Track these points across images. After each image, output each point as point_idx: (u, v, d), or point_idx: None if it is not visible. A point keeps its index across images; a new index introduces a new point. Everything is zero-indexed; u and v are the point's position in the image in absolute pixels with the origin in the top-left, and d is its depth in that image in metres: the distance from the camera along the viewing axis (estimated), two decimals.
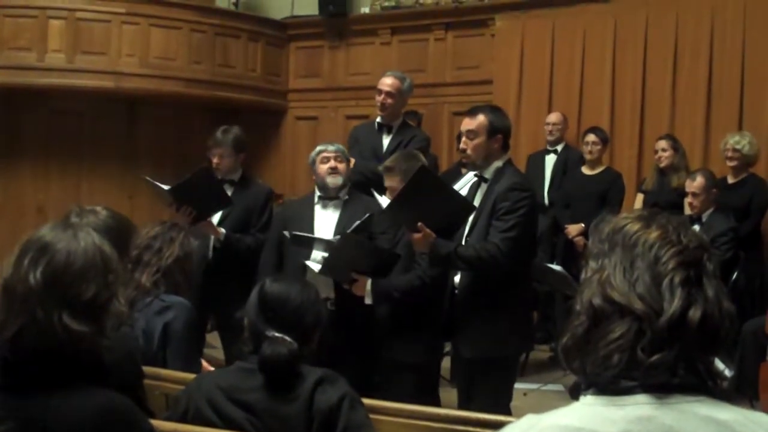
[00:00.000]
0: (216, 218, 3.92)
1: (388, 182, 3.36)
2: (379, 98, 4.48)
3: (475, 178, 3.16)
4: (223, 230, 3.89)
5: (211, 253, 3.94)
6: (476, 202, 3.06)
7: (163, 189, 3.73)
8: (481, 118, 3.08)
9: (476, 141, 3.08)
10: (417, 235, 2.96)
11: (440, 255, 2.94)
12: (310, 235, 3.57)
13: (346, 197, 3.75)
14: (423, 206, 2.94)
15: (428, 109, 6.61)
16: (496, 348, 2.98)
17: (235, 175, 4.11)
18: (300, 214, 3.72)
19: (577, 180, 5.56)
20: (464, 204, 3.03)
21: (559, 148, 5.88)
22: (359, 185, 4.36)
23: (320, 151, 3.76)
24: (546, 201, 5.76)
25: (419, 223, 2.94)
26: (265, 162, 7.11)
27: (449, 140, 6.63)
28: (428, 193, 2.93)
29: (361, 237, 3.35)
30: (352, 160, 4.45)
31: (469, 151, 3.09)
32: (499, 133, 3.06)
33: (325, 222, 3.69)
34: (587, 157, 5.56)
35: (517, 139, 6.20)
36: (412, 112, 5.91)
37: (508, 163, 3.10)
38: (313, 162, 3.76)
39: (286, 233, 3.54)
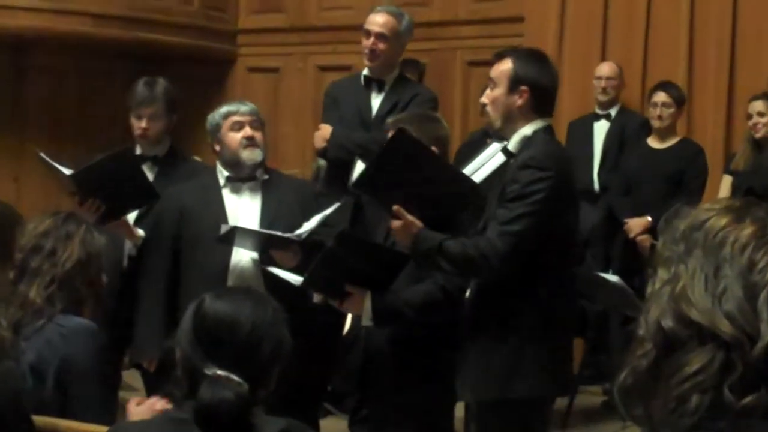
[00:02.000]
0: (132, 215, 3.91)
1: None
2: (367, 43, 4.47)
3: (501, 153, 3.18)
4: (141, 232, 3.88)
5: (126, 261, 3.94)
6: None
7: (63, 173, 3.72)
8: (506, 64, 3.11)
9: (494, 93, 3.11)
10: (396, 223, 3.01)
11: (422, 251, 2.99)
12: (266, 231, 3.58)
13: (265, 177, 3.76)
14: (405, 185, 2.99)
15: (434, 58, 6.60)
16: (507, 388, 2.99)
17: (160, 149, 4.09)
18: (203, 202, 3.72)
19: (641, 156, 5.56)
20: (466, 184, 3.04)
21: (614, 111, 5.88)
22: (339, 163, 4.36)
23: (228, 113, 3.75)
24: (596, 186, 5.76)
25: (395, 207, 2.99)
26: (202, 131, 7.07)
27: (463, 100, 6.62)
28: (412, 167, 2.97)
29: (360, 235, 3.36)
30: (328, 128, 4.45)
31: (488, 107, 3.13)
32: (524, 85, 3.07)
33: (244, 212, 3.70)
34: (655, 124, 5.56)
35: (558, 102, 6.16)
36: (412, 62, 5.89)
37: (542, 131, 3.10)
38: (217, 128, 3.75)
39: (225, 226, 3.53)
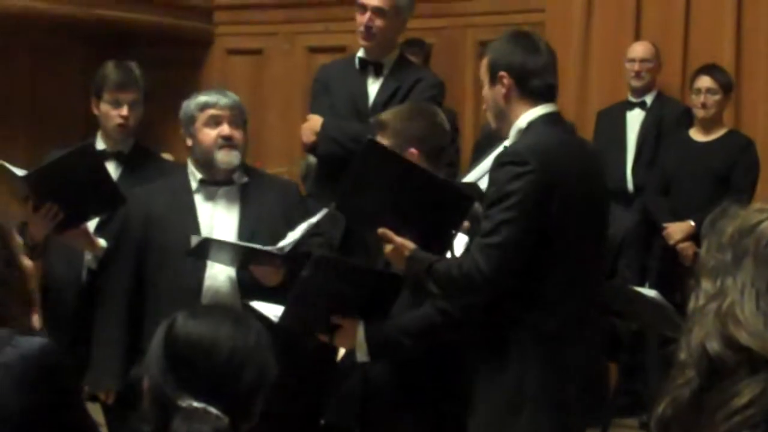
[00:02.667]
0: (92, 223, 3.90)
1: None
2: (362, 19, 4.47)
3: None
4: (103, 242, 3.88)
5: (85, 276, 3.93)
6: None
7: (15, 174, 3.72)
8: (485, 58, 3.15)
9: (483, 92, 3.15)
10: (387, 248, 3.05)
11: (413, 275, 3.03)
12: (238, 242, 3.56)
13: (245, 179, 3.74)
14: (389, 203, 3.03)
15: (442, 37, 6.62)
16: (509, 423, 2.97)
17: (124, 145, 4.08)
18: (172, 209, 3.70)
19: (682, 150, 5.57)
20: (455, 193, 3.08)
21: (649, 99, 5.89)
22: (331, 160, 4.35)
23: (205, 105, 3.71)
24: (630, 185, 5.78)
25: (380, 231, 3.03)
26: (173, 124, 7.06)
27: (475, 85, 6.59)
28: (391, 182, 3.02)
29: (346, 259, 3.39)
30: (317, 119, 4.44)
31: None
32: (501, 70, 3.06)
33: (220, 221, 3.69)
34: (698, 113, 5.57)
35: (585, 88, 6.19)
36: (417, 42, 5.90)
37: (540, 121, 3.07)
38: (191, 120, 3.72)
39: (195, 238, 3.50)
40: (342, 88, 4.54)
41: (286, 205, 3.74)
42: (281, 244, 3.50)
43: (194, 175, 3.73)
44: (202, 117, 3.70)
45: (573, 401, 3.04)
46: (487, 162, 3.34)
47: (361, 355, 3.21)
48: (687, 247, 5.35)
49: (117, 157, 4.02)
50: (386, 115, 3.48)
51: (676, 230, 5.43)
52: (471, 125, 6.35)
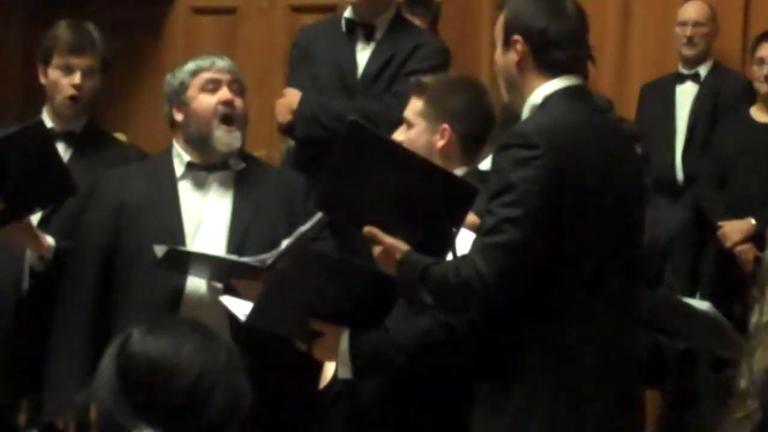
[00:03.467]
0: (35, 217, 3.91)
1: (407, 110, 3.45)
2: None
3: None
4: (50, 239, 3.89)
5: (27, 280, 3.94)
6: None
7: None
8: (502, 16, 3.16)
9: (495, 53, 3.18)
10: (376, 249, 3.05)
11: (407, 280, 3.02)
12: (208, 252, 3.57)
13: (242, 165, 3.75)
14: (378, 196, 3.05)
15: None
16: None
17: (76, 123, 4.09)
18: (151, 199, 3.70)
19: (742, 133, 5.60)
20: (457, 184, 3.10)
21: (704, 70, 5.92)
22: (311, 142, 4.37)
23: (198, 69, 3.73)
24: (679, 174, 5.81)
25: (366, 229, 3.04)
26: (129, 97, 7.08)
27: (492, 53, 6.59)
28: (380, 171, 3.04)
29: (329, 253, 3.41)
30: (295, 93, 4.45)
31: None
32: (516, 33, 3.08)
33: (209, 215, 3.70)
34: (761, 88, 5.61)
35: (626, 58, 6.20)
36: (421, 1, 5.90)
37: (558, 96, 3.08)
38: (182, 89, 3.72)
39: (160, 248, 3.47)
40: (325, 56, 4.54)
41: (289, 201, 3.75)
42: (262, 256, 3.50)
43: (181, 158, 3.74)
44: (196, 82, 3.72)
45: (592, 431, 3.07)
46: None
47: (344, 371, 3.20)
48: (747, 250, 5.37)
49: (67, 137, 4.03)
50: (429, 78, 3.55)
51: (734, 230, 5.44)
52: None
